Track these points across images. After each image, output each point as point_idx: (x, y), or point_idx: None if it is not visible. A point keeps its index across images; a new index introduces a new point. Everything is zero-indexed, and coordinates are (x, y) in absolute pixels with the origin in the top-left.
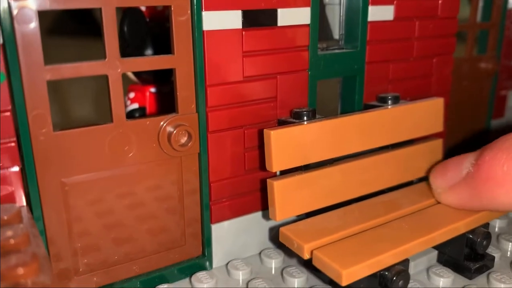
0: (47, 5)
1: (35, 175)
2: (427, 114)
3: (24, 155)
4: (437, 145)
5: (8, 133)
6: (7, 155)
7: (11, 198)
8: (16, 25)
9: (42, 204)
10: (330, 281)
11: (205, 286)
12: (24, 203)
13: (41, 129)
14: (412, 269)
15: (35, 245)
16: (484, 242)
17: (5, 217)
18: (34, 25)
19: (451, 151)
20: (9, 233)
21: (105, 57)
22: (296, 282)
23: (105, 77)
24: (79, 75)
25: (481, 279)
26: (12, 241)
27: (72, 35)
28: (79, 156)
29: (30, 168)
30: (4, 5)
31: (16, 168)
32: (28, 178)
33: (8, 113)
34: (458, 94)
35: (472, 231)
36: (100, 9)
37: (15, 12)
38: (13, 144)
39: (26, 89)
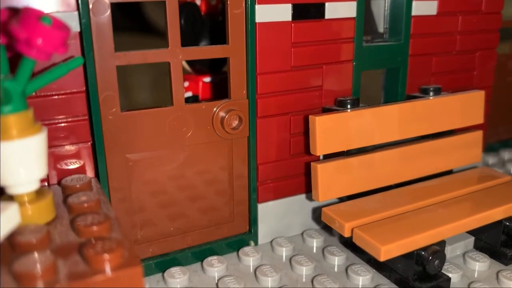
0: None
1: (103, 150)
2: (467, 106)
3: (95, 131)
4: (477, 137)
5: (82, 112)
6: (80, 131)
7: (82, 170)
8: (91, 16)
9: (108, 177)
10: (368, 260)
11: (251, 259)
12: (93, 175)
13: (110, 109)
14: (449, 253)
15: (105, 209)
16: None
17: (77, 185)
18: (107, 15)
19: (495, 144)
20: (84, 198)
21: (167, 46)
22: (336, 259)
23: (166, 65)
24: (145, 62)
25: None
26: (85, 205)
27: (123, 30)
28: (143, 134)
29: (100, 143)
30: None
31: (87, 144)
32: (97, 153)
33: (82, 94)
34: (501, 89)
35: (509, 219)
36: (164, 2)
37: (91, 4)
38: (85, 122)
39: (98, 73)
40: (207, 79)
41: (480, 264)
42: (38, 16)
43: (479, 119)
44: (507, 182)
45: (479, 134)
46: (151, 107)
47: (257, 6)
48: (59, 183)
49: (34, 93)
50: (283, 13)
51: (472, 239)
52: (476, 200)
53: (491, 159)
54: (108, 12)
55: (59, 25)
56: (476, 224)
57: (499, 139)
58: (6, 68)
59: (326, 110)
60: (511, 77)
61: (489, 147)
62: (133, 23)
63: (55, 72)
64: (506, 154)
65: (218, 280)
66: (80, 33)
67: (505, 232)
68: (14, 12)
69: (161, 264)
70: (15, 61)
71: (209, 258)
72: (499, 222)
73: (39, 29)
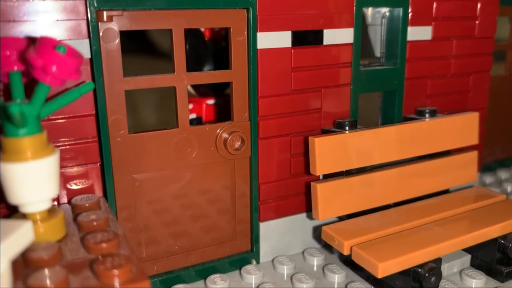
0: (128, 26)
1: (111, 170)
2: (462, 127)
3: (103, 153)
4: (473, 157)
5: (92, 134)
6: (90, 153)
7: (91, 190)
8: (102, 43)
9: (115, 196)
10: (367, 277)
11: (253, 276)
12: (101, 195)
13: (118, 131)
14: (445, 271)
15: (114, 227)
16: None
17: (87, 204)
18: (116, 43)
19: (492, 164)
20: (93, 216)
21: (173, 71)
22: (336, 277)
23: (172, 89)
24: (152, 86)
25: None
26: (95, 223)
27: (129, 53)
28: (149, 155)
29: (108, 164)
30: (93, 26)
31: (96, 164)
32: (106, 173)
33: (92, 117)
34: (498, 109)
35: (504, 237)
36: (171, 30)
37: (101, 32)
38: (95, 143)
39: (108, 97)
40: (211, 101)
41: (477, 281)
42: (53, 45)
43: (474, 140)
44: (502, 201)
45: (474, 154)
46: (157, 129)
47: (258, 34)
48: (69, 202)
49: (47, 116)
50: (284, 40)
51: (468, 257)
52: (472, 218)
53: (488, 179)
54: (118, 39)
55: (73, 54)
56: (471, 242)
57: (496, 159)
58: (22, 93)
59: (325, 132)
60: (507, 98)
61: (486, 167)
62: (137, 45)
63: (68, 96)
64: (502, 174)
65: None
66: (91, 59)
67: (500, 250)
68: (31, 41)
69: (166, 281)
70: (30, 86)
71: (212, 276)
72: (494, 240)
73: (54, 57)
